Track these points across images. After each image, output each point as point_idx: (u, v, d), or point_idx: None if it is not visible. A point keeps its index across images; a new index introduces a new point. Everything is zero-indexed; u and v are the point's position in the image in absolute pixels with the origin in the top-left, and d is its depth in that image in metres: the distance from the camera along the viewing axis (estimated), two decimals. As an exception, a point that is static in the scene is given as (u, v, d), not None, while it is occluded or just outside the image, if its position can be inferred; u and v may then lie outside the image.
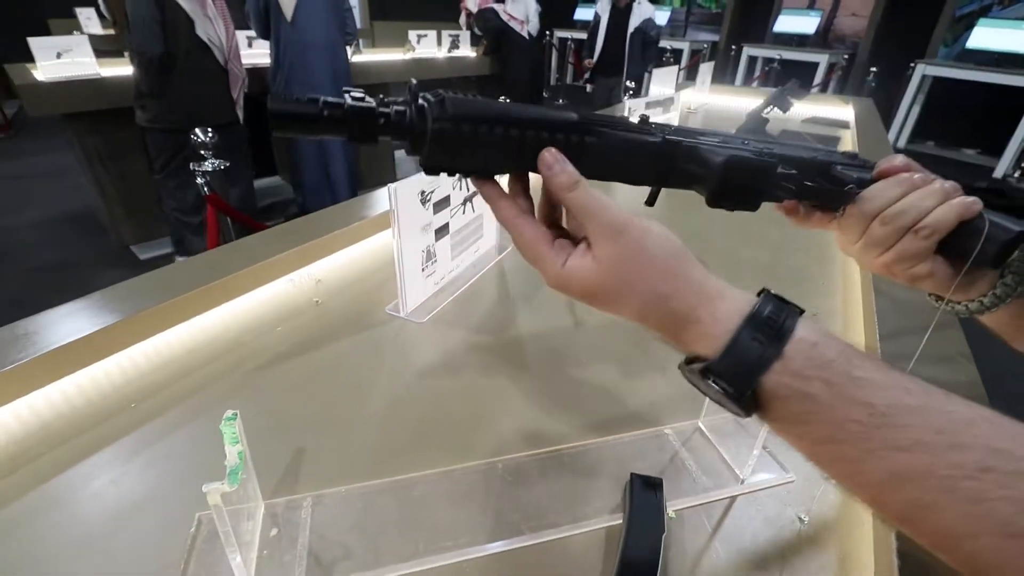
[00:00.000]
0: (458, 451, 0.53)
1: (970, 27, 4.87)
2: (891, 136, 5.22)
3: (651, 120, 0.36)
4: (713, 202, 0.36)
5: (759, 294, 0.30)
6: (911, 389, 0.26)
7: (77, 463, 0.51)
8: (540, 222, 0.35)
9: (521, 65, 3.96)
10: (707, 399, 0.56)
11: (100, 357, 0.61)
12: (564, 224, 0.36)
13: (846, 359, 0.27)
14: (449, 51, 3.98)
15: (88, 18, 4.11)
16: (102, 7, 3.96)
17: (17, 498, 0.47)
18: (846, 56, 5.71)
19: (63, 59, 2.46)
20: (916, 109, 5.19)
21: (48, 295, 2.29)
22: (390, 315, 0.76)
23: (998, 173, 4.60)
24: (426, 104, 0.30)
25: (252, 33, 2.76)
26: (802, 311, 0.29)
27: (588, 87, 4.25)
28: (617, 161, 0.35)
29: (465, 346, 0.71)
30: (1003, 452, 0.23)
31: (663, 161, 0.36)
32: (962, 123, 5.13)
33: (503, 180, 0.36)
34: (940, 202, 0.39)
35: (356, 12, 5.31)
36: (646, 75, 3.88)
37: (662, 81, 1.88)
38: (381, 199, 1.01)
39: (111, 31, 3.85)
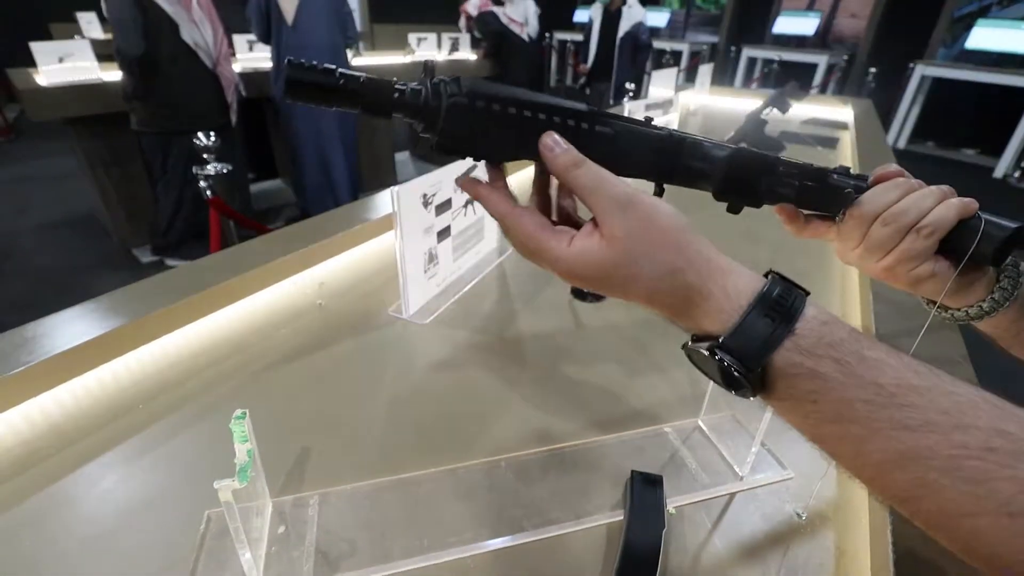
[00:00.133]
0: (461, 449, 0.54)
1: (969, 27, 4.88)
2: (891, 136, 5.23)
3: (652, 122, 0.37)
4: (719, 196, 0.37)
5: (766, 275, 0.30)
6: (919, 370, 0.26)
7: (86, 463, 0.52)
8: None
9: (521, 68, 3.97)
10: (707, 397, 0.57)
11: (107, 359, 0.62)
12: (554, 218, 0.36)
13: (855, 339, 0.27)
14: (449, 54, 3.99)
15: (89, 22, 4.12)
16: (104, 11, 3.98)
17: (28, 497, 0.48)
18: (845, 57, 5.72)
19: (65, 63, 2.47)
20: (915, 110, 5.20)
21: (51, 298, 2.31)
22: (393, 317, 0.77)
23: (998, 173, 4.61)
24: (442, 82, 0.31)
25: (253, 36, 2.77)
26: (808, 292, 0.29)
27: (587, 91, 4.25)
28: (625, 152, 0.35)
29: (467, 347, 0.72)
30: (1006, 433, 0.23)
31: (669, 156, 0.36)
32: (961, 123, 5.14)
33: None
34: (939, 202, 0.39)
35: (356, 15, 5.32)
36: (645, 77, 3.87)
37: (662, 83, 1.89)
38: (382, 202, 1.02)
39: (112, 35, 3.87)
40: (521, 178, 1.11)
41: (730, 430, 0.57)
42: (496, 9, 3.80)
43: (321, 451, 0.54)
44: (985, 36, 4.76)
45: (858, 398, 0.25)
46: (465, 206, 0.84)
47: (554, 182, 0.37)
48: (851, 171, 0.42)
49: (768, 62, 5.72)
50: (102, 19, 4.11)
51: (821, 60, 5.56)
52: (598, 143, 0.34)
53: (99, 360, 0.61)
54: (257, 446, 0.40)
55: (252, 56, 3.11)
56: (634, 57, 3.81)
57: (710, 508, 0.49)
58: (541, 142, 0.32)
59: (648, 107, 1.63)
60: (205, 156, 1.55)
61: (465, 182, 0.35)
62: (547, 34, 6.66)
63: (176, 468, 0.52)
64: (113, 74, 2.48)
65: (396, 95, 0.31)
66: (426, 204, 0.74)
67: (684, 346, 0.32)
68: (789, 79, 2.07)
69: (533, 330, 0.76)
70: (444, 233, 0.80)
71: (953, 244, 0.39)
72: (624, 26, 3.70)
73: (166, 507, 0.47)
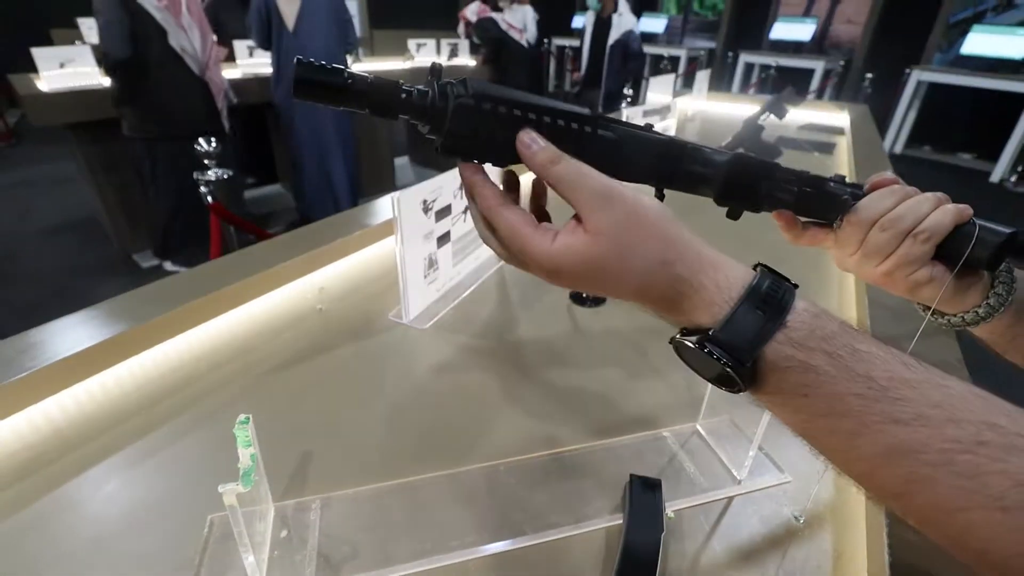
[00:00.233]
0: (462, 454, 0.55)
1: (964, 33, 4.92)
2: (888, 141, 5.26)
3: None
4: (720, 200, 0.38)
5: (754, 268, 0.30)
6: (909, 364, 0.26)
7: (90, 468, 0.52)
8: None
9: (520, 73, 3.99)
10: (705, 401, 0.57)
11: (111, 364, 0.62)
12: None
13: (846, 332, 0.27)
14: (448, 60, 4.02)
15: (90, 28, 4.12)
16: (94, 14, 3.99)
17: (33, 502, 0.48)
18: (842, 62, 5.76)
19: (66, 69, 2.49)
20: (912, 115, 5.23)
21: (52, 302, 2.32)
22: (393, 321, 0.77)
23: (994, 178, 4.63)
24: (449, 84, 0.32)
25: (253, 42, 2.79)
26: (796, 286, 0.29)
27: (579, 99, 4.26)
28: (628, 157, 0.35)
29: (467, 351, 0.72)
30: (997, 427, 0.23)
31: (670, 160, 0.37)
32: (958, 128, 5.17)
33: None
34: (935, 207, 0.40)
35: (356, 21, 5.35)
36: (644, 83, 3.87)
37: (659, 89, 1.90)
38: (382, 208, 1.03)
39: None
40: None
41: (728, 434, 0.58)
42: (495, 15, 3.83)
43: (323, 455, 0.54)
44: (980, 42, 4.80)
45: (850, 392, 0.25)
46: (465, 211, 0.85)
47: (524, 189, 0.36)
48: (846, 179, 0.43)
49: (765, 68, 5.75)
50: (102, 25, 4.13)
51: (818, 66, 5.59)
52: (602, 147, 0.34)
53: (102, 365, 0.62)
54: (260, 450, 0.41)
55: (252, 62, 3.13)
56: (624, 65, 3.75)
57: (708, 512, 0.50)
58: (518, 139, 0.31)
59: (646, 113, 1.64)
60: (206, 162, 1.55)
61: (466, 169, 0.34)
62: (545, 40, 6.70)
63: (179, 472, 0.52)
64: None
65: (403, 96, 0.31)
66: (426, 210, 0.74)
67: (672, 340, 0.31)
68: (786, 84, 2.08)
69: (532, 335, 0.76)
70: (444, 239, 0.81)
71: (949, 250, 0.40)
72: (614, 34, 3.64)
73: (169, 511, 0.48)
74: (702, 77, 2.46)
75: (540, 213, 0.36)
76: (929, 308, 0.43)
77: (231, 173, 1.66)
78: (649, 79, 1.93)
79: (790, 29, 6.03)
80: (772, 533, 0.48)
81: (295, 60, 0.29)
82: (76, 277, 2.54)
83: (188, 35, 2.13)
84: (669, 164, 0.37)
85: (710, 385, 0.55)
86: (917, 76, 5.00)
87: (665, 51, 6.60)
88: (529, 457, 0.54)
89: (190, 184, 2.26)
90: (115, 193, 2.55)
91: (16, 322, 0.62)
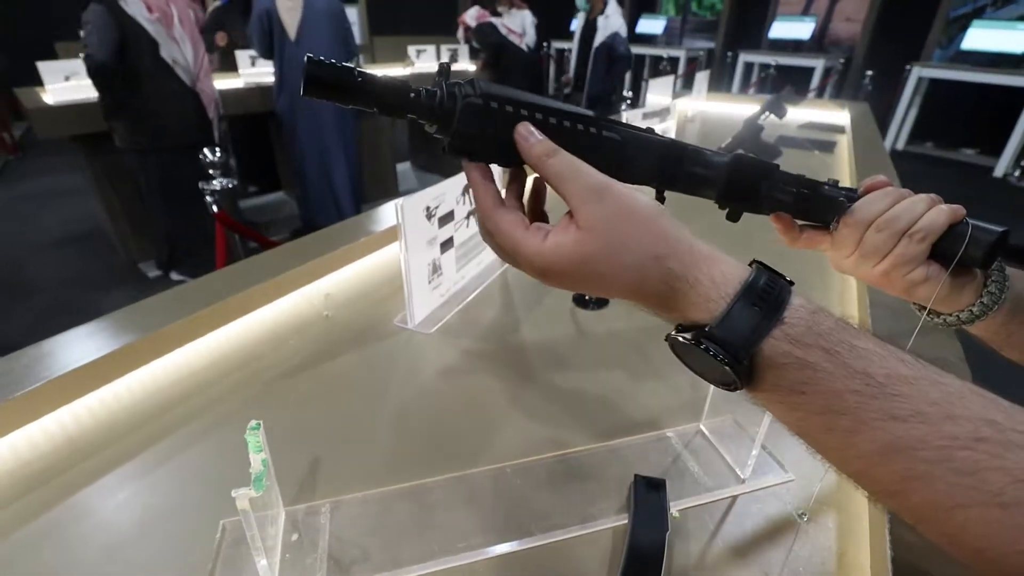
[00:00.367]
0: (468, 457, 0.55)
1: (964, 29, 4.91)
2: (890, 137, 5.25)
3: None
4: (721, 201, 0.39)
5: (750, 264, 0.30)
6: (907, 361, 0.25)
7: (104, 475, 0.53)
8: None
9: (520, 78, 4.01)
10: (707, 401, 0.58)
11: (122, 373, 0.64)
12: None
13: (843, 328, 0.27)
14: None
15: (94, 41, 4.18)
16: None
17: (47, 510, 0.49)
18: (842, 60, 5.76)
19: (71, 82, 2.52)
20: (914, 111, 5.22)
21: (60, 312, 2.34)
22: (398, 327, 0.78)
23: (998, 173, 4.61)
24: (457, 84, 0.32)
25: (254, 52, 2.81)
26: (792, 282, 0.29)
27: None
28: (631, 158, 0.36)
29: (471, 355, 0.73)
30: (995, 423, 0.23)
31: (672, 161, 0.37)
32: (960, 124, 5.15)
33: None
34: (929, 208, 0.41)
35: (356, 29, 5.38)
36: (643, 85, 3.86)
37: (659, 91, 1.91)
38: (386, 214, 1.04)
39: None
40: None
41: (731, 433, 0.58)
42: (494, 20, 3.84)
43: (331, 460, 0.55)
44: (980, 37, 4.79)
45: (848, 388, 0.25)
46: (467, 217, 0.86)
47: (527, 186, 0.37)
48: (839, 183, 0.44)
49: (765, 67, 5.75)
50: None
51: (818, 64, 5.59)
52: (606, 148, 0.35)
53: (114, 375, 0.63)
54: (270, 456, 0.41)
55: (254, 71, 3.16)
56: (609, 68, 3.65)
57: (713, 511, 0.50)
58: (516, 131, 0.32)
59: (645, 116, 1.64)
60: (211, 172, 1.57)
61: (470, 168, 0.34)
62: (545, 43, 6.73)
63: (190, 479, 0.53)
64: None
65: (411, 95, 0.32)
66: (429, 216, 0.75)
67: (667, 337, 0.30)
68: (786, 84, 2.09)
69: (536, 338, 0.77)
70: (447, 244, 0.81)
71: (944, 249, 0.41)
72: (599, 37, 3.56)
73: (182, 517, 0.49)
74: (701, 78, 2.46)
75: (538, 213, 0.37)
76: (925, 308, 0.44)
77: (235, 183, 1.68)
78: (648, 81, 1.94)
79: (789, 28, 6.04)
80: (776, 531, 0.48)
81: (306, 57, 0.30)
82: (84, 288, 2.57)
83: (180, 47, 2.14)
84: (671, 165, 0.37)
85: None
86: (918, 72, 4.99)
87: (664, 52, 6.61)
88: (535, 459, 0.55)
89: (187, 195, 2.27)
90: (120, 203, 2.57)
91: (26, 333, 0.63)
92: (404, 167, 4.30)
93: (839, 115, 2.41)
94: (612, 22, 3.54)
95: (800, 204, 0.42)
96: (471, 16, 4.12)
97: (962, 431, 0.23)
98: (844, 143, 1.94)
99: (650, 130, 0.38)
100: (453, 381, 0.68)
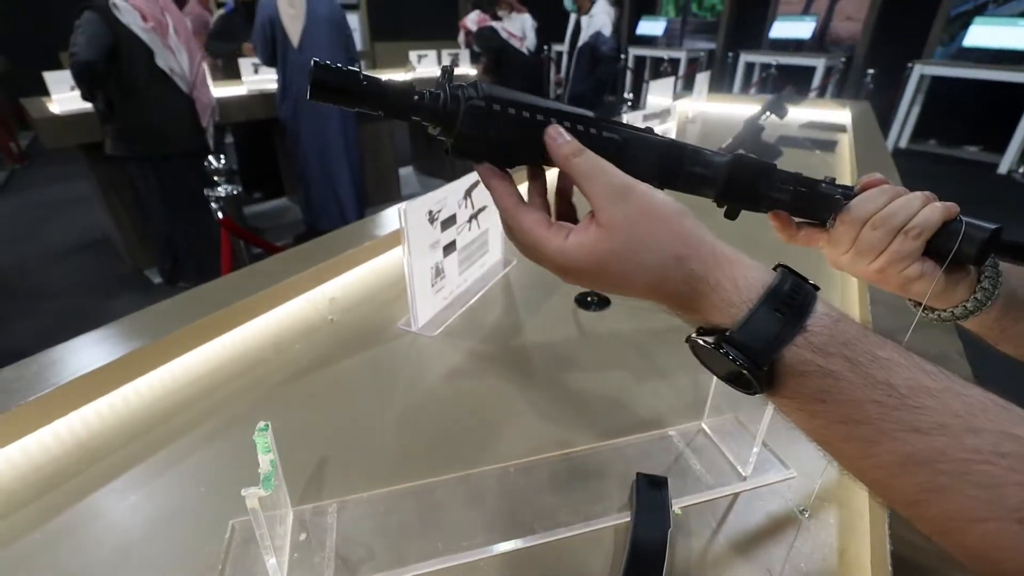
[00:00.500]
0: (472, 456, 0.56)
1: (966, 26, 4.90)
2: (893, 136, 5.24)
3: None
4: (720, 200, 0.40)
5: (774, 268, 0.29)
6: (929, 371, 0.25)
7: (114, 479, 0.54)
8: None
9: (520, 80, 4.03)
10: (709, 400, 0.58)
11: (131, 378, 0.65)
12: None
13: (866, 337, 0.26)
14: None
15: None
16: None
17: (59, 513, 0.50)
18: (843, 59, 5.75)
19: (76, 91, 2.54)
20: (916, 109, 5.20)
21: (67, 319, 2.36)
22: (402, 330, 0.79)
23: (1002, 169, 4.59)
24: (461, 87, 0.33)
25: (257, 60, 2.84)
26: (818, 288, 0.28)
27: None
28: (632, 158, 0.37)
29: (475, 357, 0.74)
30: (1016, 437, 0.22)
31: (672, 161, 0.38)
32: (963, 121, 5.14)
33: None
34: (924, 205, 0.41)
35: (357, 35, 5.41)
36: (644, 86, 3.85)
37: (660, 92, 1.91)
38: (390, 219, 1.05)
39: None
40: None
41: (733, 431, 0.59)
42: (495, 24, 3.87)
43: (338, 461, 0.56)
44: (982, 33, 4.78)
45: (869, 399, 0.25)
46: (469, 221, 0.86)
47: (551, 185, 0.37)
48: (836, 181, 0.44)
49: (766, 67, 5.76)
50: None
51: (819, 63, 5.59)
52: (607, 148, 0.36)
53: (123, 380, 0.64)
54: (277, 457, 0.42)
55: (257, 79, 3.19)
56: (593, 68, 3.62)
57: (715, 508, 0.51)
58: (546, 132, 0.33)
59: (646, 117, 1.65)
60: (216, 178, 1.58)
61: (482, 169, 0.35)
62: (545, 47, 6.75)
63: (200, 481, 0.54)
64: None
65: (416, 98, 0.32)
66: (432, 220, 0.76)
67: (688, 339, 0.30)
68: (787, 83, 2.09)
69: (538, 339, 0.78)
70: (450, 247, 0.82)
71: (938, 246, 0.41)
72: (583, 36, 3.54)
73: (191, 518, 0.50)
74: (702, 79, 2.47)
75: (565, 212, 0.37)
76: (920, 304, 0.44)
77: (240, 189, 1.69)
78: (649, 83, 1.94)
79: (790, 27, 6.04)
80: (777, 528, 0.49)
81: (312, 61, 0.31)
82: (91, 295, 2.59)
83: (176, 56, 2.16)
84: (671, 165, 0.38)
85: (714, 383, 0.57)
86: (919, 70, 4.98)
87: (665, 54, 6.63)
88: (538, 458, 0.56)
89: (187, 202, 2.28)
90: (125, 211, 2.60)
91: (35, 340, 0.65)
92: (407, 171, 4.32)
93: (840, 114, 2.41)
94: (595, 21, 3.51)
95: (797, 202, 0.42)
96: (472, 20, 4.15)
97: (983, 444, 0.23)
98: (845, 142, 1.94)
99: (649, 130, 0.39)
100: (457, 383, 0.69)
